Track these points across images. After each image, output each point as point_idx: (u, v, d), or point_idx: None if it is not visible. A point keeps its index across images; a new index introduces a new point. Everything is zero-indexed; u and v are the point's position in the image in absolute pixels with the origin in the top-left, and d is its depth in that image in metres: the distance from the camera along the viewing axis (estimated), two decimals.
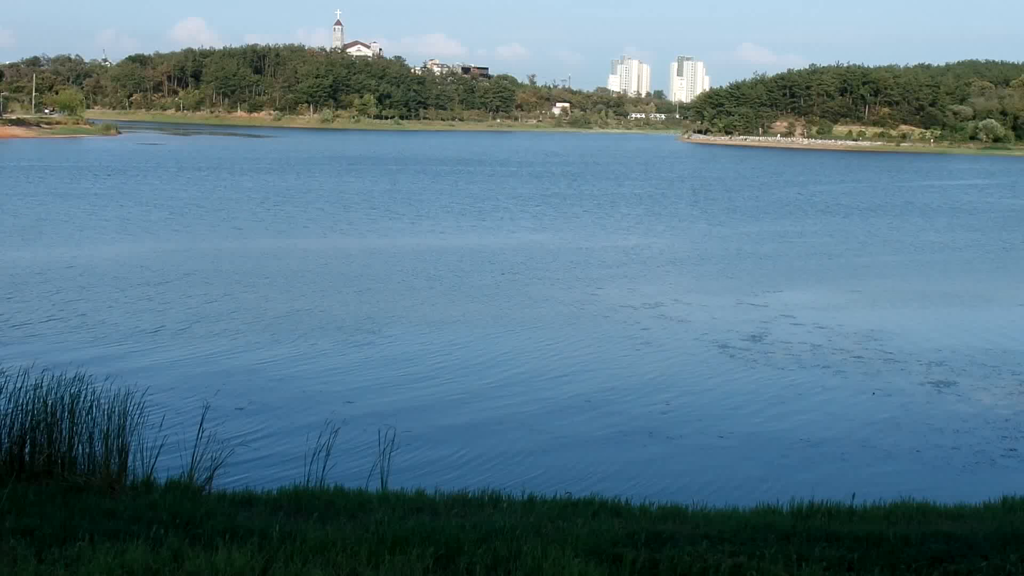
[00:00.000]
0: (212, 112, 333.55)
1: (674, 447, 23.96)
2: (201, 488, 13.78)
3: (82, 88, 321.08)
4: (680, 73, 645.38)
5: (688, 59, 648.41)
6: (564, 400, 27.61)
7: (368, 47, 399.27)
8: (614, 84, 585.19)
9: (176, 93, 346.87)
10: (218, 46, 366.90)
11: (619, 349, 34.12)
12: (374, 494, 14.38)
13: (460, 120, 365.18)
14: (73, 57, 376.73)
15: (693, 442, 24.40)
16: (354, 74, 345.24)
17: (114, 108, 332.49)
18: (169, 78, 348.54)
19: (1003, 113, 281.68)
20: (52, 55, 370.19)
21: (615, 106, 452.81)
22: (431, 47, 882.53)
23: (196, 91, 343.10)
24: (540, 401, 27.34)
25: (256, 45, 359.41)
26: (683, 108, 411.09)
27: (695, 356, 33.44)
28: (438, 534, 11.80)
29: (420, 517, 12.92)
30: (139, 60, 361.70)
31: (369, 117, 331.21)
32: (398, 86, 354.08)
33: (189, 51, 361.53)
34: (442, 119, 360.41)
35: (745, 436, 24.99)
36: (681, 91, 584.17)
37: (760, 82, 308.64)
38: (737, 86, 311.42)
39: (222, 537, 11.19)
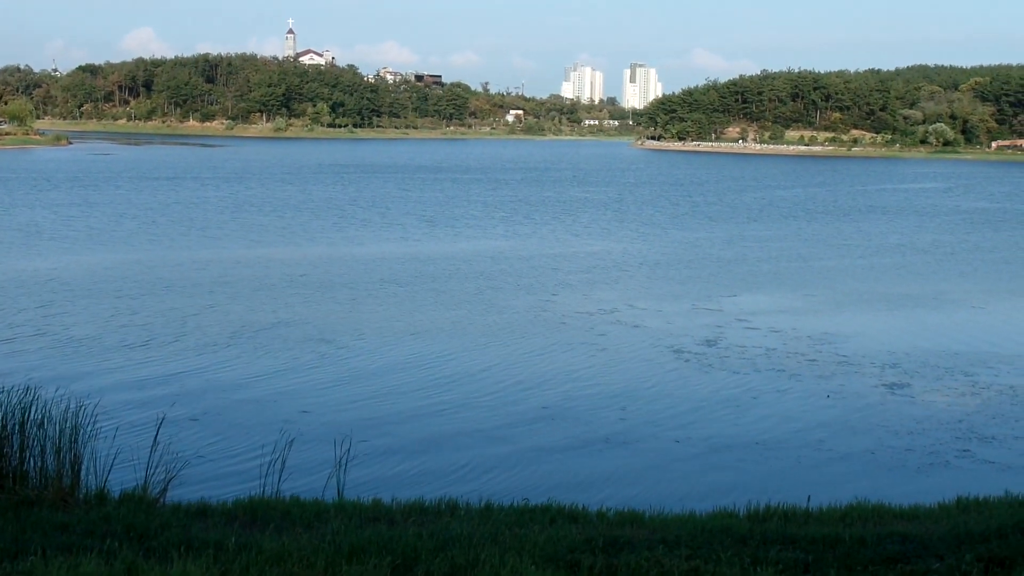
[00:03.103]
0: (164, 122, 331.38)
1: (631, 452, 23.99)
2: (156, 500, 13.65)
3: (31, 98, 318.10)
4: (633, 80, 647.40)
5: (641, 66, 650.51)
6: (521, 407, 27.60)
7: (321, 55, 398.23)
8: (567, 91, 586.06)
9: (127, 103, 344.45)
10: (169, 55, 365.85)
11: (576, 355, 34.14)
12: (330, 504, 14.31)
13: (414, 128, 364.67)
14: (22, 67, 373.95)
15: (650, 447, 24.45)
16: (307, 83, 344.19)
17: (64, 118, 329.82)
18: (120, 88, 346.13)
19: (952, 117, 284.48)
20: (1, 65, 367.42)
21: (568, 113, 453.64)
22: (384, 55, 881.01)
23: (148, 101, 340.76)
24: (496, 408, 27.32)
25: (208, 54, 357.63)
26: (636, 114, 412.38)
27: (651, 361, 33.52)
28: (395, 543, 11.75)
29: (377, 526, 12.86)
30: (90, 70, 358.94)
31: (322, 126, 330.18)
32: (351, 94, 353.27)
33: (140, 60, 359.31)
34: (396, 127, 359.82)
35: (701, 440, 25.07)
36: (634, 98, 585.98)
37: (712, 88, 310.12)
38: (690, 92, 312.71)
39: (177, 549, 11.09)
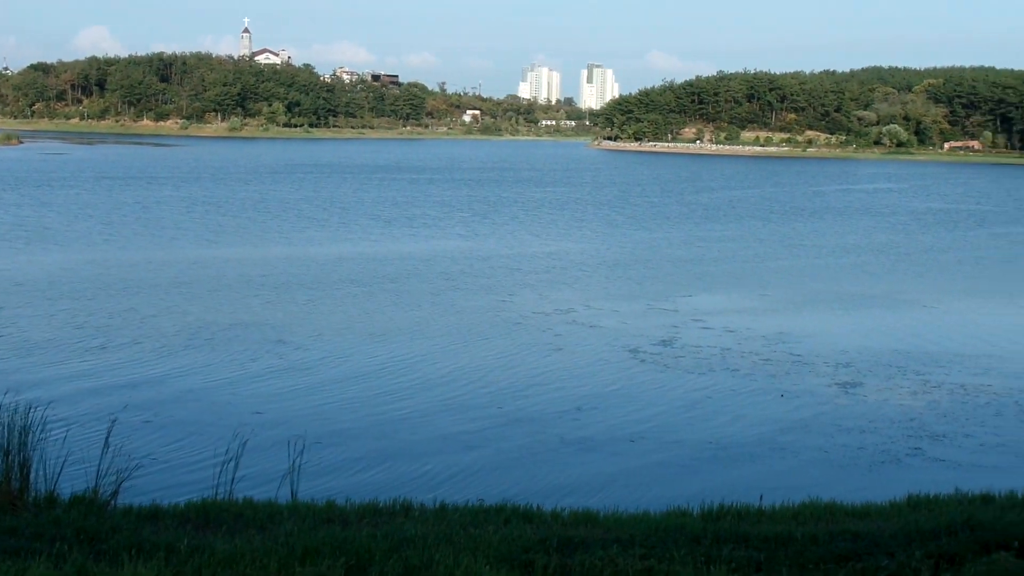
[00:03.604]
0: (117, 121, 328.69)
1: (586, 452, 24.04)
2: (106, 503, 13.54)
3: None
4: (590, 80, 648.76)
5: (598, 66, 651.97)
6: (476, 407, 27.60)
7: (276, 55, 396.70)
8: (524, 91, 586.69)
9: (80, 102, 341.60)
10: (123, 54, 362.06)
11: (532, 356, 34.17)
12: (284, 505, 14.26)
13: (370, 128, 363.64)
14: None
15: (605, 447, 24.50)
16: (262, 82, 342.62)
17: (15, 117, 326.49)
18: (73, 87, 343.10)
19: (906, 118, 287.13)
20: None
21: (525, 113, 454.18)
22: (340, 55, 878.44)
23: (101, 100, 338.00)
24: (452, 409, 27.31)
25: (162, 53, 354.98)
26: (593, 115, 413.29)
27: (606, 361, 33.60)
28: (349, 544, 11.72)
29: (331, 528, 12.82)
30: (41, 68, 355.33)
31: (278, 125, 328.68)
32: (307, 94, 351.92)
33: (93, 59, 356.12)
34: (352, 127, 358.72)
35: (656, 440, 25.16)
36: (591, 98, 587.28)
37: (669, 89, 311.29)
38: (646, 93, 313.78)
39: (128, 552, 11.02)
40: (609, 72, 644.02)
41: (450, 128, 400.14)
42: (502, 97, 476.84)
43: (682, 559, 11.92)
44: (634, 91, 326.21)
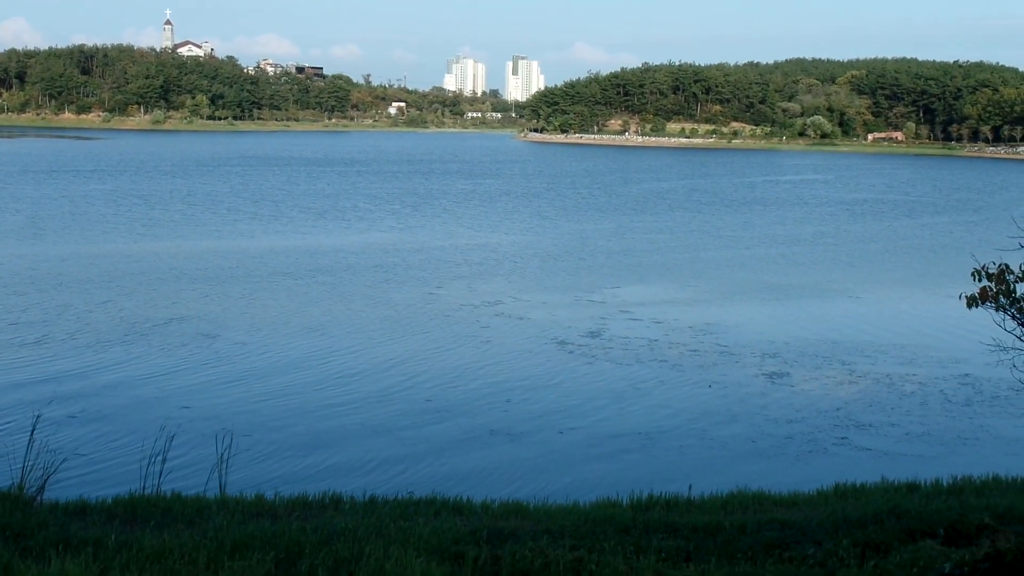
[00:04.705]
0: (38, 114, 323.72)
1: (515, 444, 24.09)
2: (32, 499, 13.37)
3: None
4: (515, 72, 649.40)
5: (523, 58, 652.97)
6: (405, 400, 27.57)
7: (199, 47, 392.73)
8: (450, 83, 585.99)
9: None
10: (43, 46, 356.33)
11: (460, 348, 34.17)
12: (212, 500, 14.17)
13: (295, 120, 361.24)
14: None
15: (534, 439, 24.57)
16: (185, 74, 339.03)
17: None
18: None
19: (830, 110, 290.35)
20: None
21: (451, 105, 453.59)
22: (264, 47, 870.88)
23: (21, 93, 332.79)
24: (381, 402, 27.25)
25: (83, 45, 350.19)
26: (519, 107, 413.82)
27: (535, 353, 33.67)
28: (278, 538, 11.68)
29: (260, 522, 12.76)
30: None
31: (202, 118, 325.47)
32: (231, 86, 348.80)
33: (12, 51, 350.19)
34: (276, 119, 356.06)
35: (585, 431, 25.26)
36: (517, 90, 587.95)
37: (594, 81, 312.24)
38: (572, 85, 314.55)
39: (55, 548, 10.90)
40: (535, 64, 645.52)
41: (376, 120, 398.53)
42: (428, 89, 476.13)
43: (612, 550, 11.99)
44: (559, 83, 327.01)
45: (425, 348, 34.01)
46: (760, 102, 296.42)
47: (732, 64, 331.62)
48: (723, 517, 13.87)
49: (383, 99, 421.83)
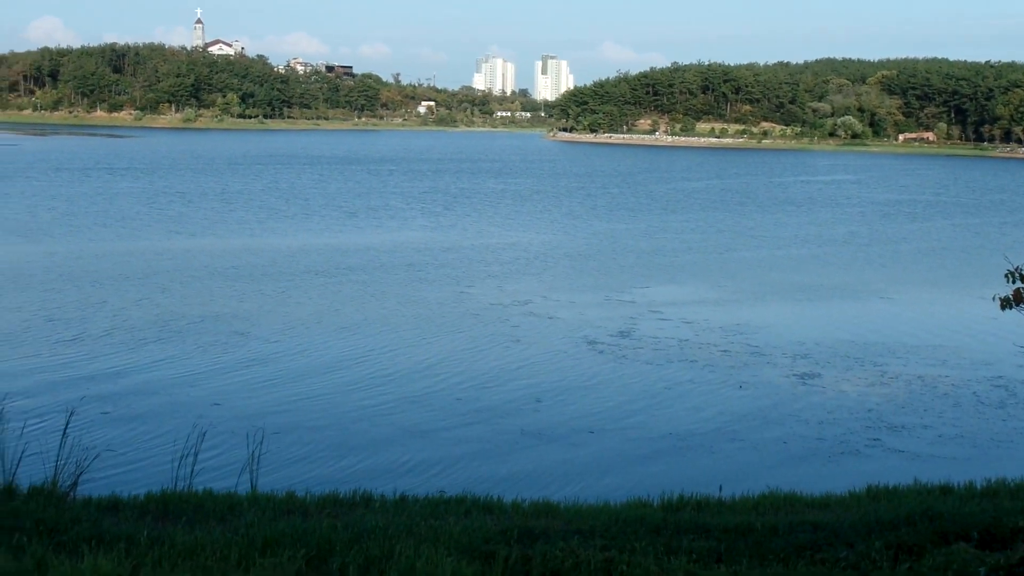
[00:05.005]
0: (71, 112, 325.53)
1: (545, 444, 24.05)
2: (66, 495, 13.41)
3: None
4: (544, 72, 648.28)
5: (552, 58, 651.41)
6: (435, 397, 27.58)
7: (230, 45, 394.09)
8: (479, 83, 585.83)
9: (33, 93, 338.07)
10: (75, 45, 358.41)
11: (490, 348, 34.13)
12: (244, 497, 14.17)
13: (325, 119, 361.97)
14: None
15: (564, 438, 24.52)
16: (216, 73, 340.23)
17: None
18: (25, 78, 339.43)
19: (860, 110, 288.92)
20: None
21: (480, 104, 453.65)
22: (294, 46, 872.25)
23: (54, 91, 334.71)
24: (411, 401, 27.25)
25: (115, 44, 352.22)
26: (548, 106, 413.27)
27: (565, 353, 33.61)
28: (309, 535, 11.67)
29: (291, 519, 12.76)
30: None
31: (232, 117, 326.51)
32: (261, 85, 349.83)
33: (46, 50, 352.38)
34: (306, 118, 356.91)
35: (615, 431, 25.20)
36: (546, 90, 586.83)
37: (623, 80, 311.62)
38: (601, 84, 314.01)
39: (88, 544, 10.92)
40: (564, 63, 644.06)
41: (405, 119, 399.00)
42: (457, 88, 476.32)
43: (643, 550, 11.94)
44: (589, 82, 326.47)
45: (455, 347, 34.01)
46: (790, 102, 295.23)
47: (762, 64, 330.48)
48: (754, 518, 13.79)
49: (412, 98, 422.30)
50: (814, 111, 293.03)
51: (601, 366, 31.94)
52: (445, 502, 14.68)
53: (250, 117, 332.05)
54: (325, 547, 11.34)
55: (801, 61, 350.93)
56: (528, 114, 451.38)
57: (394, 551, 11.20)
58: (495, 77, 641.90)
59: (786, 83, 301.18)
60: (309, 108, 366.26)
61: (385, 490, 15.84)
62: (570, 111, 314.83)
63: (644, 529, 13.06)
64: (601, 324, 38.24)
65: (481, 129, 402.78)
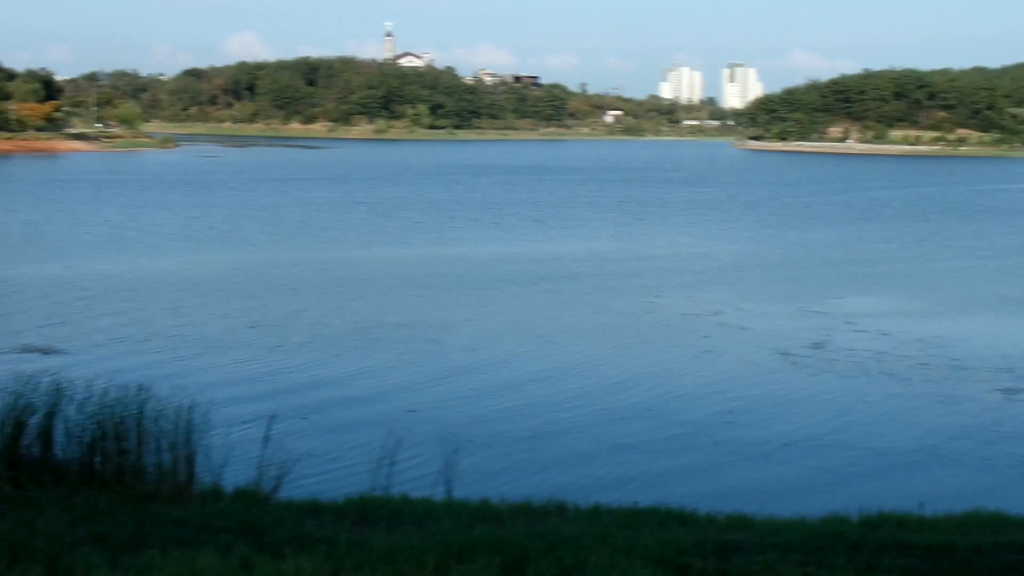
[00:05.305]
0: (267, 124, 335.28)
1: (739, 455, 23.76)
2: (268, 497, 13.70)
3: (140, 102, 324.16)
4: (732, 79, 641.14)
5: (740, 65, 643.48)
6: (627, 408, 27.49)
7: (419, 57, 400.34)
8: (666, 91, 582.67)
9: (231, 106, 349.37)
10: (271, 59, 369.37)
11: (681, 357, 33.93)
12: (439, 502, 14.28)
13: (513, 129, 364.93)
14: (130, 71, 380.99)
15: (758, 450, 24.19)
16: (406, 85, 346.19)
17: (171, 121, 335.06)
18: (224, 91, 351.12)
19: None
20: (109, 70, 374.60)
21: (667, 113, 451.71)
22: (481, 57, 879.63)
23: (251, 104, 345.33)
24: (603, 410, 27.22)
25: (309, 57, 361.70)
26: (736, 114, 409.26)
27: (757, 364, 33.19)
28: (505, 543, 11.69)
29: (486, 526, 12.81)
30: (195, 74, 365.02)
31: (423, 127, 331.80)
32: (450, 96, 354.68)
33: (243, 64, 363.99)
34: (495, 128, 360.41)
35: (810, 444, 24.75)
36: (733, 98, 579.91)
37: (813, 87, 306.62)
38: (790, 91, 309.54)
39: (290, 545, 11.13)
40: (751, 71, 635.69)
41: (592, 129, 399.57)
42: (643, 97, 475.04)
43: (842, 567, 11.65)
44: (777, 90, 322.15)
45: (646, 358, 33.88)
46: (987, 108, 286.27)
47: (956, 69, 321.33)
48: (958, 537, 13.33)
49: (599, 107, 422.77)
50: (1013, 117, 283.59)
51: (794, 378, 31.43)
52: (639, 513, 14.55)
53: (440, 128, 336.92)
54: (520, 555, 11.34)
55: (998, 65, 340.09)
56: (716, 123, 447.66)
57: (588, 561, 11.14)
58: (682, 86, 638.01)
59: (983, 88, 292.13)
60: (497, 118, 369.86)
61: (578, 498, 15.80)
62: (759, 119, 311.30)
63: (842, 545, 12.75)
64: (794, 335, 37.61)
65: (668, 138, 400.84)
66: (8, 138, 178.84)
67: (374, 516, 13.11)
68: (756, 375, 31.80)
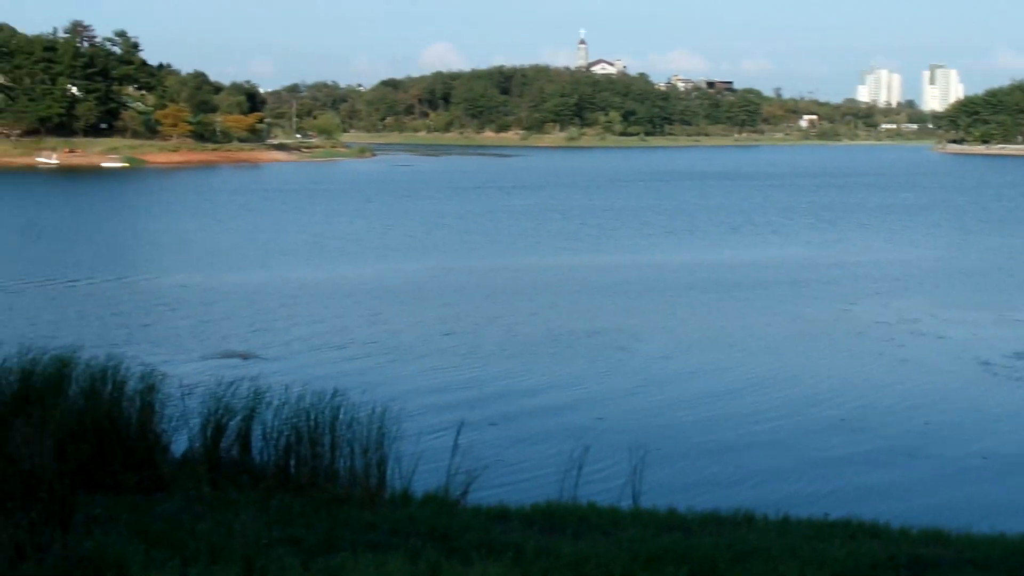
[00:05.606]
0: (461, 133, 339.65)
1: (934, 468, 23.19)
2: (457, 502, 13.92)
3: (338, 113, 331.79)
4: (932, 82, 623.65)
5: (940, 67, 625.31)
6: (818, 419, 27.05)
7: (612, 65, 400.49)
8: (863, 95, 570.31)
9: (427, 115, 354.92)
10: (466, 68, 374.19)
11: (874, 366, 33.23)
12: (626, 511, 14.30)
13: (705, 135, 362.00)
14: (329, 83, 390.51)
15: (954, 463, 23.56)
16: (599, 92, 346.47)
17: (368, 131, 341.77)
18: (420, 101, 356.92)
19: None
20: (310, 81, 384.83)
21: (864, 117, 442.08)
22: (674, 63, 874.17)
23: (446, 113, 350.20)
24: (793, 419, 26.85)
25: (503, 66, 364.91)
26: (936, 117, 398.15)
27: (954, 373, 32.30)
28: (692, 552, 11.65)
29: (673, 535, 12.78)
30: (391, 84, 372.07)
31: (614, 134, 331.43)
32: (642, 103, 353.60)
33: (438, 74, 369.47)
34: (687, 135, 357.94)
35: (1010, 457, 24.00)
36: (933, 100, 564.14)
37: (1018, 88, 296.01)
38: (993, 93, 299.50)
39: (478, 551, 11.27)
40: (953, 72, 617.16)
41: (786, 134, 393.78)
42: (840, 101, 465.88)
43: None
44: (979, 92, 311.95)
45: (839, 366, 33.28)
46: None
47: None
48: None
49: (794, 112, 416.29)
50: None
51: (995, 390, 30.44)
52: (829, 525, 14.34)
53: (631, 135, 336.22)
54: (708, 565, 11.29)
55: None
56: (915, 126, 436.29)
57: (778, 572, 11.04)
58: (880, 88, 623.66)
59: None
60: (689, 124, 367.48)
61: (766, 508, 15.63)
62: (960, 122, 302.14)
63: None
64: (996, 344, 36.40)
65: (865, 142, 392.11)
66: (214, 149, 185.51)
67: (561, 523, 13.17)
68: (953, 385, 30.97)
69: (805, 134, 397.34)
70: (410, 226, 78.65)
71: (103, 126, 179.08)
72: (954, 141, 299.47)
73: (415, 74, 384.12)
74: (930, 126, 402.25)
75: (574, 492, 14.89)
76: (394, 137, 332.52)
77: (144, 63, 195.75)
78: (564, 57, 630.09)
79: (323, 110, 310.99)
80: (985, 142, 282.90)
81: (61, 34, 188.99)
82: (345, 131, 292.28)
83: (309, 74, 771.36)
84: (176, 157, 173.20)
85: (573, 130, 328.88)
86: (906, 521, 15.36)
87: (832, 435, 25.56)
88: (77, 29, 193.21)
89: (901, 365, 33.51)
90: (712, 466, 22.78)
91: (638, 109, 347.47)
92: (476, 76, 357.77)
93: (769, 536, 13.01)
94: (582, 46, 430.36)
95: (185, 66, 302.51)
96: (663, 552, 11.62)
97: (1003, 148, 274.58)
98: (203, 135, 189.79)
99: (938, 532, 14.26)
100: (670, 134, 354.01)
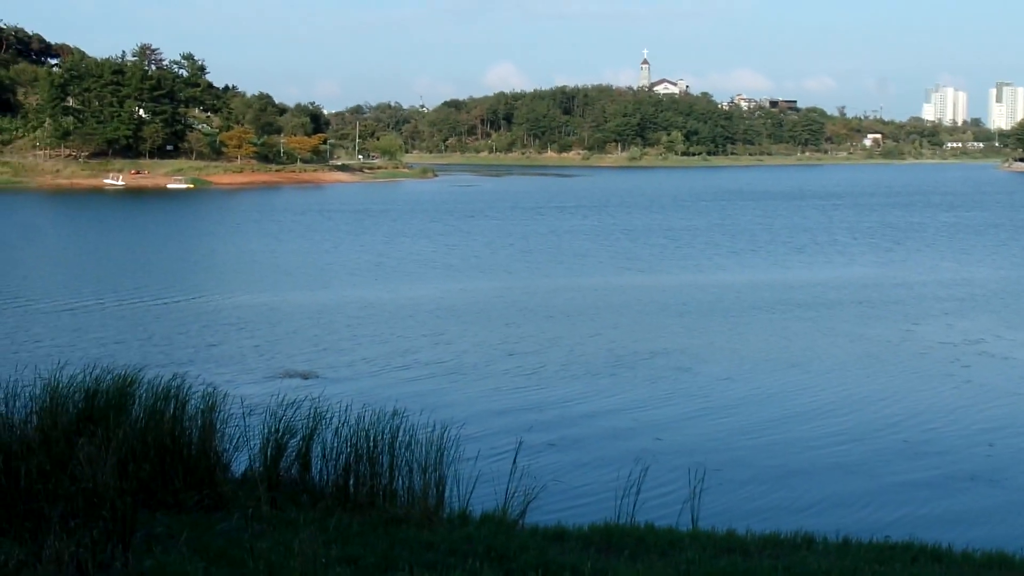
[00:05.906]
0: (523, 153, 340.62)
1: (999, 491, 22.88)
2: (514, 523, 13.93)
3: (401, 133, 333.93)
4: (999, 99, 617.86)
5: (1007, 84, 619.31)
6: (879, 441, 26.78)
7: (675, 84, 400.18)
8: (928, 113, 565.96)
9: (489, 136, 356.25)
10: (528, 89, 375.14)
11: (937, 387, 32.89)
12: (684, 532, 14.25)
13: (768, 154, 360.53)
14: (392, 104, 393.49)
15: (1020, 486, 23.25)
16: (661, 112, 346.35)
17: (430, 152, 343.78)
18: (482, 121, 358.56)
19: None
20: (373, 103, 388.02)
21: (929, 136, 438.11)
22: (737, 82, 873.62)
23: (508, 133, 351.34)
24: (854, 442, 26.60)
25: (565, 86, 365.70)
26: (1003, 135, 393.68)
27: (1020, 396, 31.88)
28: (750, 575, 11.60)
29: (731, 557, 12.73)
30: (454, 105, 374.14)
31: (676, 154, 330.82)
32: (705, 122, 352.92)
33: (501, 95, 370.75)
34: (750, 154, 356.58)
35: None
36: (1000, 118, 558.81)
37: None
38: None
39: (535, 572, 11.28)
40: (1020, 90, 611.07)
41: (850, 153, 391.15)
42: (904, 120, 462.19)
43: None
44: None
45: (902, 387, 32.95)
46: None
47: None
48: None
49: (858, 131, 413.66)
50: None
51: None
52: (891, 548, 14.19)
53: (694, 154, 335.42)
54: None
55: None
56: (980, 144, 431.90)
57: None
58: (945, 107, 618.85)
59: None
60: (752, 144, 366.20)
61: (826, 531, 15.52)
62: None
63: None
64: None
65: (930, 161, 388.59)
66: (277, 170, 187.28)
67: (619, 544, 13.16)
68: (1019, 406, 30.60)
69: (869, 153, 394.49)
70: (472, 246, 78.98)
71: (169, 148, 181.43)
72: (1021, 159, 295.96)
73: (478, 95, 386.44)
74: (996, 144, 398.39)
75: (632, 514, 14.85)
76: (456, 158, 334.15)
77: (210, 85, 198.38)
78: (626, 77, 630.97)
79: (386, 131, 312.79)
80: None
81: (129, 57, 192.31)
82: (407, 152, 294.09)
83: (373, 95, 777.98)
84: (240, 178, 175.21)
85: (635, 150, 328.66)
86: (970, 545, 15.20)
87: (895, 457, 25.31)
88: (145, 52, 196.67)
89: (966, 386, 33.12)
90: (774, 491, 22.61)
91: (700, 128, 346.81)
92: (538, 96, 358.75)
93: (829, 559, 12.93)
94: (644, 66, 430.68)
95: (250, 88, 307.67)
96: (721, 574, 11.58)
97: None
98: (267, 156, 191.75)
99: (1003, 556, 14.10)
100: (733, 153, 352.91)
